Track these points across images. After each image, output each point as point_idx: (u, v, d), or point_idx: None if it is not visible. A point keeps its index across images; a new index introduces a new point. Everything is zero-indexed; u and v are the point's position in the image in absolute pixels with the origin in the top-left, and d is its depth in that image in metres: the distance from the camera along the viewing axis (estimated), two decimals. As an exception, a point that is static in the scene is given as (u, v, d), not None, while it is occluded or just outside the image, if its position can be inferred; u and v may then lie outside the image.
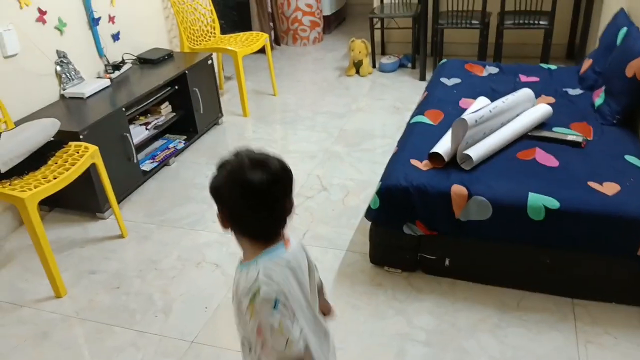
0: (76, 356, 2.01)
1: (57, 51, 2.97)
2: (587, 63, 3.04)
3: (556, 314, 2.04)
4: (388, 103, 4.08)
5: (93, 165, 2.48)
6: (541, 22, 4.03)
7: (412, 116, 2.80)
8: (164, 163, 3.29)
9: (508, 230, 2.04)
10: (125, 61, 3.41)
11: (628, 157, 2.22)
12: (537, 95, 2.74)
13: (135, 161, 3.00)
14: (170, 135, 3.54)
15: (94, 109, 2.86)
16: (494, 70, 3.27)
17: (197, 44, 3.95)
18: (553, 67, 3.27)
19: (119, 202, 2.74)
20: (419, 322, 2.05)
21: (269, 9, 5.29)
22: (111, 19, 3.34)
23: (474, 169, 2.17)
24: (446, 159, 2.20)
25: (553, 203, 1.95)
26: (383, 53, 5.11)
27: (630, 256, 1.95)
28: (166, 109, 3.43)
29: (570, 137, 2.36)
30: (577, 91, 2.88)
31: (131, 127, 3.07)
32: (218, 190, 1.09)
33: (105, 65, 3.30)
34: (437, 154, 2.21)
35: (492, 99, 2.60)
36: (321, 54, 5.34)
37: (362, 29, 5.52)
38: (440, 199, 2.07)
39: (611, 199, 1.96)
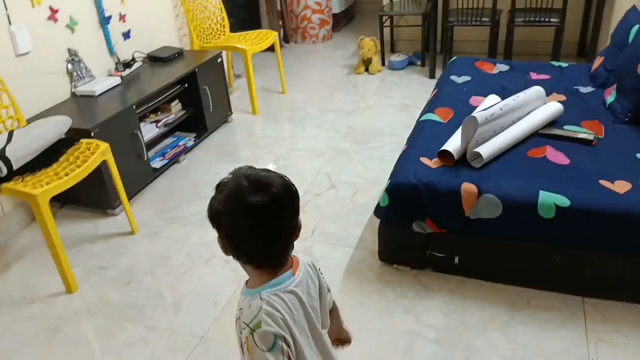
0: (86, 351, 2.03)
1: (68, 49, 2.99)
2: (598, 61, 3.01)
3: (566, 312, 2.03)
4: (397, 101, 4.07)
5: (104, 163, 2.50)
6: (552, 20, 4.00)
7: (422, 114, 2.79)
8: (174, 160, 3.31)
9: (518, 229, 2.03)
10: (136, 59, 3.43)
11: (639, 156, 2.20)
12: (548, 93, 2.72)
13: (145, 158, 3.02)
14: (180, 133, 3.56)
15: (105, 107, 2.88)
16: (504, 67, 3.26)
17: (207, 42, 3.96)
18: (564, 64, 3.25)
19: (129, 199, 2.76)
20: (428, 320, 2.05)
21: (278, 7, 5.30)
22: (122, 18, 3.36)
23: (484, 167, 2.16)
24: (456, 156, 2.19)
25: (564, 201, 1.94)
26: (392, 51, 5.09)
27: (641, 255, 1.94)
28: (176, 106, 3.45)
29: (581, 135, 2.34)
30: (589, 89, 2.86)
31: (142, 124, 3.09)
32: (217, 214, 1.02)
33: (116, 64, 3.32)
34: (447, 152, 2.20)
35: (503, 97, 2.58)
36: (330, 51, 5.34)
37: (371, 27, 5.51)
38: (450, 196, 2.07)
39: (622, 198, 1.94)
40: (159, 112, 3.38)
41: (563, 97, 2.75)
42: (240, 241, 1.03)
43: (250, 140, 3.66)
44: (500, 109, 2.28)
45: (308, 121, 3.84)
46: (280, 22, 5.38)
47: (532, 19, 4.04)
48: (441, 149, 2.22)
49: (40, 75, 2.83)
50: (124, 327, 2.11)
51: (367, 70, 4.67)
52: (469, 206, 2.05)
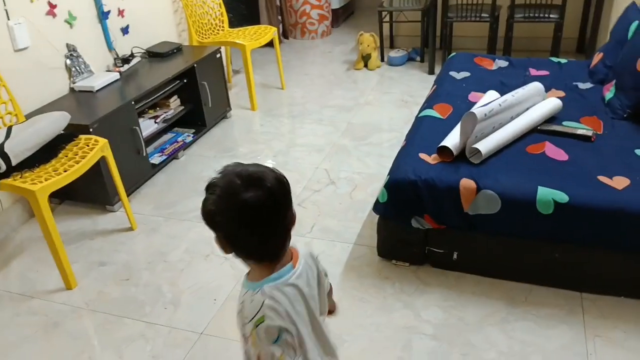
0: (86, 347, 2.03)
1: (67, 45, 2.98)
2: (597, 57, 3.01)
3: (565, 308, 2.04)
4: (396, 97, 4.07)
5: (103, 158, 2.50)
6: (552, 16, 4.00)
7: (421, 110, 2.79)
8: (173, 156, 3.31)
9: (517, 224, 2.04)
10: (135, 55, 3.42)
11: (638, 152, 2.20)
12: (547, 89, 2.72)
13: (144, 154, 3.02)
14: (179, 129, 3.56)
15: (103, 103, 2.88)
16: (503, 63, 3.25)
17: (206, 38, 3.96)
18: (563, 60, 3.24)
19: (128, 195, 2.76)
20: (427, 315, 2.05)
21: (277, 3, 5.29)
22: (120, 13, 3.35)
23: (483, 163, 2.16)
24: (455, 152, 2.19)
25: (562, 197, 1.95)
26: (392, 46, 5.09)
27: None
28: (175, 102, 3.44)
29: (580, 131, 2.34)
30: (588, 85, 2.86)
31: (140, 120, 3.08)
32: (212, 215, 1.01)
33: (115, 59, 3.31)
34: (445, 148, 2.20)
35: (502, 93, 2.58)
36: (329, 47, 5.33)
37: (370, 23, 5.49)
38: (449, 192, 2.07)
39: (621, 194, 1.95)
40: (158, 108, 3.37)
41: (562, 93, 2.75)
42: (238, 239, 1.03)
43: (249, 136, 3.66)
44: (500, 105, 2.28)
45: (307, 117, 3.84)
46: (279, 17, 5.37)
47: (531, 15, 4.04)
48: (440, 145, 2.22)
49: (38, 71, 2.83)
50: (123, 323, 2.12)
51: (366, 66, 4.66)
52: (467, 202, 2.05)
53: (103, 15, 3.20)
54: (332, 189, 2.92)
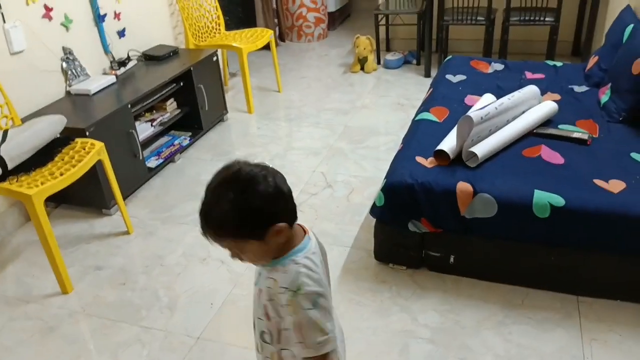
0: (82, 351, 2.02)
1: (63, 48, 2.98)
2: (593, 60, 3.03)
3: (561, 311, 2.04)
4: (392, 100, 4.07)
5: (99, 162, 2.49)
6: (547, 19, 4.02)
7: (417, 113, 2.79)
8: (170, 160, 3.30)
9: (513, 228, 2.04)
10: (131, 58, 3.42)
11: (634, 155, 2.21)
12: (543, 93, 2.73)
13: (140, 158, 3.01)
14: (176, 132, 3.55)
15: (100, 106, 2.87)
16: (499, 67, 3.27)
17: (202, 41, 3.95)
18: (559, 64, 3.26)
19: (124, 199, 2.75)
20: (424, 319, 2.05)
21: (274, 5, 5.29)
22: (117, 16, 3.35)
23: (479, 166, 2.17)
24: (451, 156, 2.20)
25: (558, 200, 1.95)
26: (388, 49, 5.10)
27: (636, 254, 1.94)
28: (171, 105, 3.44)
29: (575, 135, 2.35)
30: (583, 88, 2.87)
31: (137, 123, 3.08)
32: (257, 212, 1.04)
33: (111, 62, 3.31)
34: (442, 151, 2.21)
35: (498, 96, 2.59)
36: (326, 50, 5.34)
37: (367, 26, 5.51)
38: (446, 196, 2.07)
39: (617, 197, 1.95)
40: (154, 111, 3.37)
41: (558, 97, 2.76)
42: (277, 215, 1.06)
43: (245, 139, 3.65)
44: (496, 108, 2.29)
45: (304, 120, 3.84)
46: (276, 20, 5.37)
47: (527, 18, 4.05)
48: (437, 148, 2.23)
49: (35, 74, 2.82)
50: (119, 328, 2.11)
51: (362, 69, 4.67)
52: (464, 206, 2.06)
53: (99, 19, 3.19)
54: (329, 192, 2.92)
